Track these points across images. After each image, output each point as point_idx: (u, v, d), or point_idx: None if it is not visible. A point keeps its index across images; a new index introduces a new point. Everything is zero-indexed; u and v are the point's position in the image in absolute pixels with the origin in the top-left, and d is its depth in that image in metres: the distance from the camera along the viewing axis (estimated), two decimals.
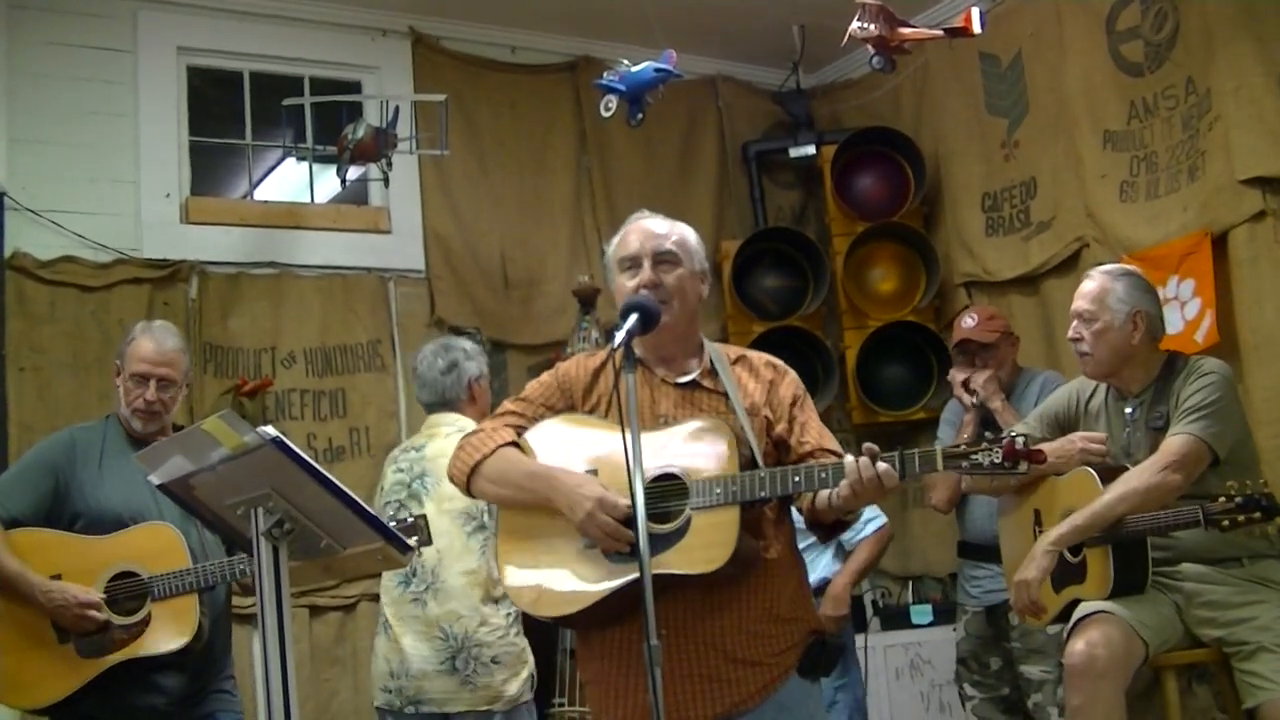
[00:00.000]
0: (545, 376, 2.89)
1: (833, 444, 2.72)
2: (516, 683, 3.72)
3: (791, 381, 2.80)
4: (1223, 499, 3.24)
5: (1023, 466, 2.44)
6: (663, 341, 2.75)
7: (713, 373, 2.76)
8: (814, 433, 2.72)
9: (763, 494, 2.52)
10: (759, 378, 2.78)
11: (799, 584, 2.75)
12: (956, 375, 4.58)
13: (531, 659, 3.79)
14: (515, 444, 2.76)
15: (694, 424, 2.63)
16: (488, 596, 3.73)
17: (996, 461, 2.43)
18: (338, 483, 2.35)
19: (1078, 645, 3.27)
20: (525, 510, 2.69)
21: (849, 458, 2.47)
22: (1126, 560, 3.34)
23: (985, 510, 4.43)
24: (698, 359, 2.79)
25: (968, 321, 4.59)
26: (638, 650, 2.39)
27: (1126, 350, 3.52)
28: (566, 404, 2.80)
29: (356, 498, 2.36)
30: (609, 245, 2.87)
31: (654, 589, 2.38)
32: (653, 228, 2.79)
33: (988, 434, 2.51)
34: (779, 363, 2.85)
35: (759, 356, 2.86)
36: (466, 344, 4.11)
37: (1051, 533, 3.40)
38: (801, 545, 2.85)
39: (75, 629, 3.32)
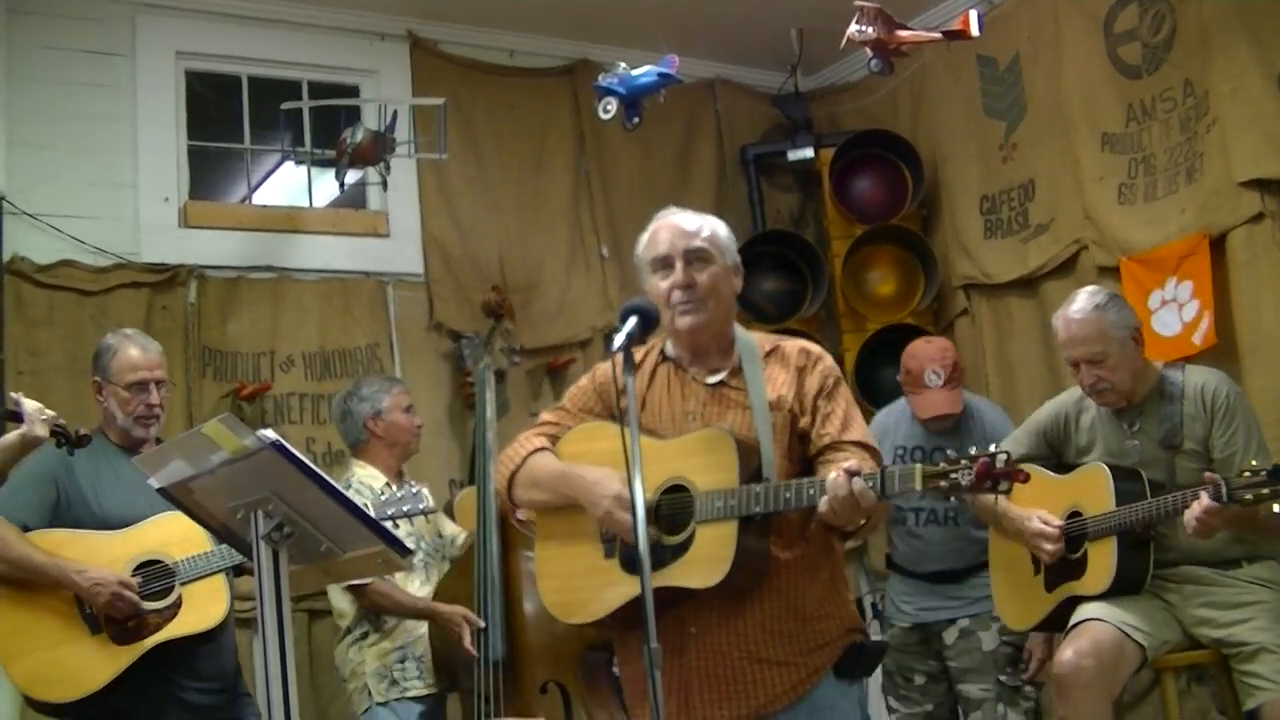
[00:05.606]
0: (584, 381, 2.89)
1: (856, 434, 2.64)
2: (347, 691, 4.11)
3: (821, 371, 2.71)
4: (1247, 473, 3.06)
5: (1003, 486, 2.34)
6: (697, 339, 2.72)
7: (739, 370, 2.71)
8: (835, 424, 2.64)
9: (758, 509, 2.48)
10: (789, 368, 2.71)
11: (830, 580, 2.69)
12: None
13: (371, 669, 3.97)
14: (547, 449, 2.76)
15: (700, 433, 2.62)
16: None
17: (973, 481, 2.34)
18: (337, 486, 2.36)
19: (1066, 654, 3.27)
20: (556, 516, 2.72)
21: (831, 474, 2.40)
22: (1131, 557, 3.34)
23: (911, 544, 4.44)
24: (729, 356, 2.74)
25: (932, 379, 4.32)
26: (666, 651, 2.45)
27: (1136, 367, 3.52)
28: (605, 407, 2.78)
29: (356, 501, 2.37)
30: (638, 243, 2.80)
31: (668, 598, 2.47)
32: (683, 224, 2.74)
33: (968, 452, 2.39)
34: (813, 349, 2.76)
35: (793, 345, 2.78)
36: (367, 384, 4.30)
37: None
38: None
39: (110, 611, 3.31)
